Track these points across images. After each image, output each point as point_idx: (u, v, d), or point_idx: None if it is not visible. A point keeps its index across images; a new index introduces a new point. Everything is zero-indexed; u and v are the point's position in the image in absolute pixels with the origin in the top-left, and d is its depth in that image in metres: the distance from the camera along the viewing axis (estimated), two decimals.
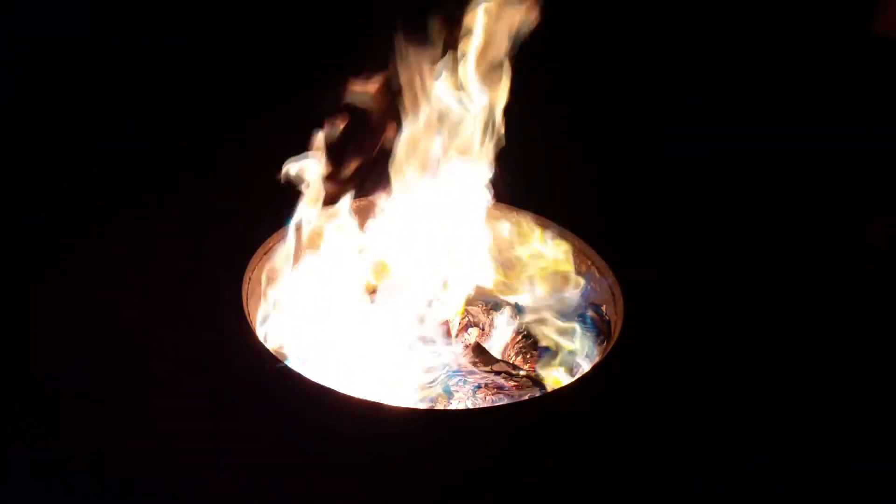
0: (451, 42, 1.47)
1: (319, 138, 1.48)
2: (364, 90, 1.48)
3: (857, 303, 1.66)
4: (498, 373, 1.40)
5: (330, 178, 1.54)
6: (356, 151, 1.54)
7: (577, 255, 1.60)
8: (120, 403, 1.26)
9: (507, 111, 1.53)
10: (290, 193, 1.53)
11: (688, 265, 1.64)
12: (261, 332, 1.41)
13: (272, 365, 1.21)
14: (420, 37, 1.45)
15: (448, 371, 1.41)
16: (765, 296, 1.58)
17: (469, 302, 1.55)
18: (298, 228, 1.51)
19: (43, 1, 2.31)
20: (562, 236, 1.61)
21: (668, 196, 1.90)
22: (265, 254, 1.52)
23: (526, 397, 1.36)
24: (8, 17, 2.26)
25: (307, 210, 1.52)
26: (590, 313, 1.53)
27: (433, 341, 1.46)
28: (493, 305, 1.57)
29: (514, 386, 1.38)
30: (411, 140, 1.50)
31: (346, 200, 1.55)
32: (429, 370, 1.42)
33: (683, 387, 1.36)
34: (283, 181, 1.47)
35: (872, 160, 2.06)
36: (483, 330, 1.55)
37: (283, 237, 1.51)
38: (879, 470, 1.28)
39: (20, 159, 1.84)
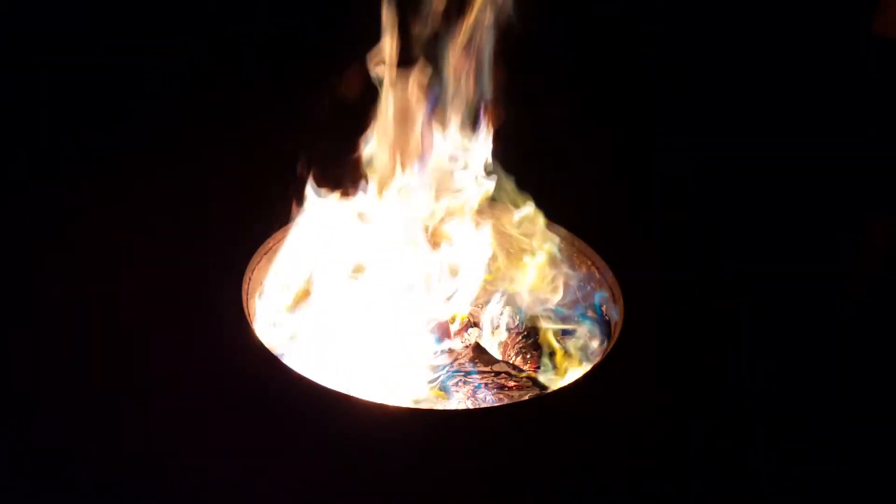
0: (449, 41, 1.47)
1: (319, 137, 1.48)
2: (362, 89, 1.49)
3: (857, 303, 1.66)
4: (498, 373, 1.40)
5: (330, 177, 1.54)
6: (356, 151, 1.54)
7: (578, 255, 1.61)
8: (119, 403, 1.25)
9: (507, 111, 1.53)
10: (291, 193, 1.53)
11: (688, 265, 1.64)
12: (261, 331, 1.41)
13: None
14: (418, 36, 1.45)
15: (448, 371, 1.41)
16: (765, 296, 1.58)
17: (469, 302, 1.55)
18: (301, 227, 1.51)
19: (43, 1, 2.31)
20: (562, 236, 1.61)
21: (668, 196, 1.89)
22: (265, 254, 1.52)
23: (526, 397, 1.36)
24: (8, 17, 2.26)
25: (310, 210, 1.52)
26: (590, 313, 1.54)
27: (433, 341, 1.47)
28: (493, 305, 1.58)
29: (514, 386, 1.38)
30: (411, 140, 1.49)
31: (346, 200, 1.55)
32: (429, 370, 1.42)
33: (683, 387, 1.36)
34: (284, 181, 1.47)
35: (872, 160, 2.06)
36: (483, 330, 1.55)
37: (285, 236, 1.51)
38: (879, 470, 1.28)
39: (20, 159, 1.84)
